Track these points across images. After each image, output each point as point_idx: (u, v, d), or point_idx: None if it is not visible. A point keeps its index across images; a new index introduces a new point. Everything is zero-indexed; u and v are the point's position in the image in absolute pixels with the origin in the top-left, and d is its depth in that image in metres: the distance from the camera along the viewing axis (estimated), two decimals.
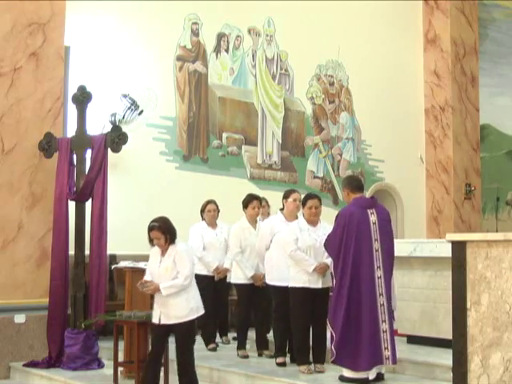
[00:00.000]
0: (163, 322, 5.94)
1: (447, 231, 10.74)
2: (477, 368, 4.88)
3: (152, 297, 6.22)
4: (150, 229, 5.98)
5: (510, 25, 15.10)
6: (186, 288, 5.95)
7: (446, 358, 5.87)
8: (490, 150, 14.89)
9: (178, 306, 5.89)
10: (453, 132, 13.29)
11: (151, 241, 6.03)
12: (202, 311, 6.04)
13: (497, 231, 12.38)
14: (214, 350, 7.80)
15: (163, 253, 6.00)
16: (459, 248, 5.03)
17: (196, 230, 8.05)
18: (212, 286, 7.89)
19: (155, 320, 6.01)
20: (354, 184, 6.37)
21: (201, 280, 7.92)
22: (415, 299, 7.28)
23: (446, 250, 5.75)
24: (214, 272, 7.91)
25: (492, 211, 13.94)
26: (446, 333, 6.23)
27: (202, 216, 8.15)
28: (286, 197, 7.20)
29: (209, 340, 7.90)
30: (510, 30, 15.11)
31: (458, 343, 4.99)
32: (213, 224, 8.08)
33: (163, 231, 5.95)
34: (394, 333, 6.10)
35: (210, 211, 8.06)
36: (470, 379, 4.91)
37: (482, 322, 4.88)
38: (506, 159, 15.24)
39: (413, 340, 7.25)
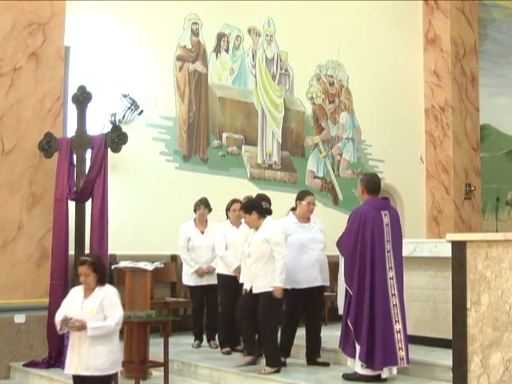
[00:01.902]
0: (80, 372, 5.21)
1: (447, 231, 10.74)
2: (477, 368, 4.89)
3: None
4: (81, 263, 5.29)
5: (510, 25, 15.09)
6: (112, 336, 5.25)
7: (445, 358, 5.88)
8: (489, 150, 14.89)
9: (100, 357, 5.17)
10: (453, 132, 13.29)
11: (78, 277, 5.35)
12: (120, 368, 5.50)
13: (497, 231, 12.38)
14: (229, 353, 7.58)
15: (87, 294, 5.30)
16: (459, 248, 5.03)
17: (220, 228, 7.95)
18: (233, 285, 7.63)
19: (70, 371, 5.28)
20: (371, 186, 6.36)
21: (222, 279, 7.90)
22: (415, 299, 7.28)
23: (446, 250, 5.76)
24: (236, 272, 7.62)
25: (492, 211, 13.94)
26: (446, 333, 6.23)
27: (227, 215, 8.02)
28: (299, 198, 7.16)
29: (223, 342, 7.74)
30: (510, 30, 15.11)
31: (458, 343, 5.00)
32: (237, 223, 7.90)
33: (95, 269, 5.26)
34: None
35: (235, 210, 7.88)
36: (470, 379, 4.91)
37: (482, 322, 4.88)
38: (506, 159, 15.24)
39: (413, 340, 7.20)
